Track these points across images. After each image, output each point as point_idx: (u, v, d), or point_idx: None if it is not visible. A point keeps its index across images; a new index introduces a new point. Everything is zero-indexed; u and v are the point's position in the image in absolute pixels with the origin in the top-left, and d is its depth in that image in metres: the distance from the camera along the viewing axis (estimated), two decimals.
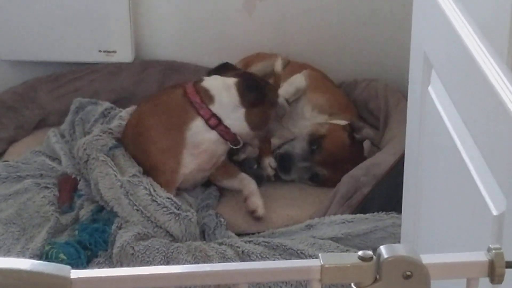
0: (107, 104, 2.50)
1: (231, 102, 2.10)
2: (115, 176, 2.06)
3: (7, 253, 1.94)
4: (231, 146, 2.14)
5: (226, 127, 2.10)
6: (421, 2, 1.25)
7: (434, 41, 1.17)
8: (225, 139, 2.11)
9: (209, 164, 2.16)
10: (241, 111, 2.10)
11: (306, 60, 2.68)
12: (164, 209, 2.01)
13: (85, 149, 2.16)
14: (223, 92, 2.11)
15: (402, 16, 2.64)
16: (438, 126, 1.16)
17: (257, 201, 2.11)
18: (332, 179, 2.18)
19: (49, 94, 2.63)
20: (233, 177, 2.20)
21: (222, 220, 2.07)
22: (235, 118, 2.10)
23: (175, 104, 2.13)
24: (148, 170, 2.11)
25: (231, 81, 2.13)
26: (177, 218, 2.01)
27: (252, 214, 2.10)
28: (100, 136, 2.21)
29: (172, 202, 2.03)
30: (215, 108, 2.10)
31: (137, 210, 2.01)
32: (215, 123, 2.09)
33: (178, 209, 2.02)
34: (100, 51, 2.70)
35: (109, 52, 2.70)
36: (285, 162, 2.24)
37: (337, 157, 2.22)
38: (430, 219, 1.25)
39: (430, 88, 1.20)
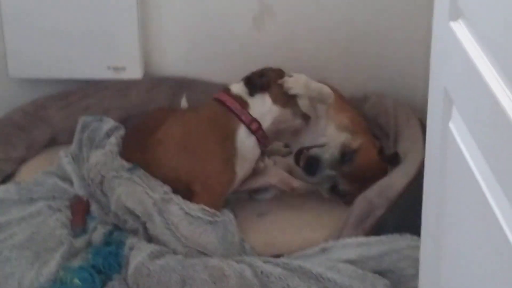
0: (111, 123, 2.49)
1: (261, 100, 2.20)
2: (146, 193, 2.08)
3: (21, 278, 1.94)
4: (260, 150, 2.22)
5: (262, 130, 2.17)
6: (440, 39, 1.25)
7: (455, 78, 1.17)
8: (260, 142, 2.19)
9: (248, 174, 2.21)
10: (267, 98, 2.20)
11: (315, 76, 2.68)
12: (199, 220, 2.03)
13: (99, 170, 2.17)
14: (248, 96, 2.20)
15: (411, 31, 2.64)
16: (459, 162, 1.16)
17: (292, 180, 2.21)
18: (352, 193, 2.16)
19: (59, 112, 2.62)
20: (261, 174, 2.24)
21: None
22: (266, 111, 2.19)
23: (219, 114, 2.19)
24: (201, 181, 2.13)
25: (241, 83, 2.23)
26: (213, 227, 2.02)
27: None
28: (114, 156, 2.22)
29: (205, 212, 2.05)
30: (252, 112, 2.18)
31: (169, 229, 2.02)
32: (256, 127, 2.17)
33: (213, 217, 2.04)
34: (109, 67, 2.70)
35: (118, 68, 2.70)
36: (312, 164, 2.21)
37: (365, 174, 2.19)
38: (452, 249, 1.25)
39: (451, 124, 1.20)
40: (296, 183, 2.23)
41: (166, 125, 2.25)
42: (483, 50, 1.06)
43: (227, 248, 2.03)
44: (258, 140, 2.19)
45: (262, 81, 2.22)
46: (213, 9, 2.70)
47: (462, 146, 1.15)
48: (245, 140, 2.17)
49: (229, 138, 2.17)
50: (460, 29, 1.15)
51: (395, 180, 2.10)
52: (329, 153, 2.22)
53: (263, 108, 2.20)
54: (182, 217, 2.04)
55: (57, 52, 2.67)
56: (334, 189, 2.21)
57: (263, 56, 2.70)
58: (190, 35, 2.74)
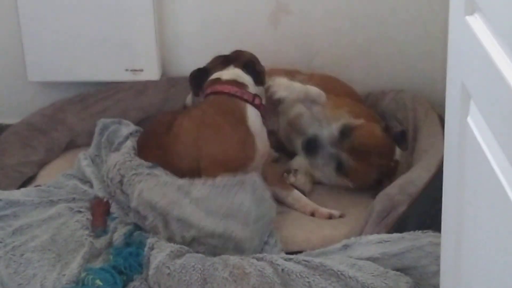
0: (132, 127, 2.50)
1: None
2: (168, 182, 2.09)
3: (43, 279, 1.95)
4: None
5: (263, 104, 2.26)
6: (457, 33, 1.24)
7: (472, 72, 1.16)
8: (262, 116, 2.25)
9: (267, 149, 2.27)
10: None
11: (331, 72, 2.67)
12: (227, 187, 2.05)
13: (118, 169, 2.17)
14: (245, 77, 2.27)
15: (428, 26, 2.63)
16: (478, 156, 1.15)
17: (324, 210, 2.21)
18: (358, 171, 2.18)
19: (77, 115, 2.64)
20: (288, 190, 2.26)
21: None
22: (260, 91, 2.29)
23: (223, 103, 2.24)
24: (221, 163, 2.15)
25: (237, 70, 2.29)
26: (241, 186, 2.04)
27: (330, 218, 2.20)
28: (132, 157, 2.23)
29: (228, 178, 2.07)
30: (251, 90, 2.25)
31: (197, 206, 2.03)
32: (259, 102, 2.25)
33: (238, 177, 2.06)
34: (127, 70, 2.71)
35: (136, 70, 2.71)
36: (311, 145, 2.25)
37: (368, 149, 2.21)
38: (472, 245, 1.24)
39: (469, 119, 1.19)
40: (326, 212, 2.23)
41: (178, 121, 2.27)
42: (499, 44, 1.05)
43: (260, 204, 2.05)
44: (261, 115, 2.25)
45: (261, 68, 2.32)
46: (229, 8, 2.70)
47: (480, 140, 1.14)
48: (254, 118, 2.22)
49: (241, 121, 2.21)
50: (476, 23, 1.14)
51: (416, 176, 2.08)
52: (327, 131, 2.25)
53: (258, 88, 2.29)
54: (209, 190, 2.05)
55: (75, 56, 2.69)
56: (340, 168, 2.22)
57: (279, 54, 2.70)
58: (206, 34, 2.75)
